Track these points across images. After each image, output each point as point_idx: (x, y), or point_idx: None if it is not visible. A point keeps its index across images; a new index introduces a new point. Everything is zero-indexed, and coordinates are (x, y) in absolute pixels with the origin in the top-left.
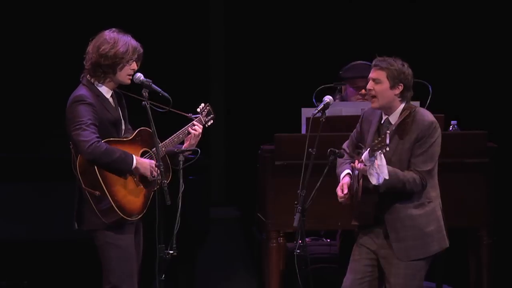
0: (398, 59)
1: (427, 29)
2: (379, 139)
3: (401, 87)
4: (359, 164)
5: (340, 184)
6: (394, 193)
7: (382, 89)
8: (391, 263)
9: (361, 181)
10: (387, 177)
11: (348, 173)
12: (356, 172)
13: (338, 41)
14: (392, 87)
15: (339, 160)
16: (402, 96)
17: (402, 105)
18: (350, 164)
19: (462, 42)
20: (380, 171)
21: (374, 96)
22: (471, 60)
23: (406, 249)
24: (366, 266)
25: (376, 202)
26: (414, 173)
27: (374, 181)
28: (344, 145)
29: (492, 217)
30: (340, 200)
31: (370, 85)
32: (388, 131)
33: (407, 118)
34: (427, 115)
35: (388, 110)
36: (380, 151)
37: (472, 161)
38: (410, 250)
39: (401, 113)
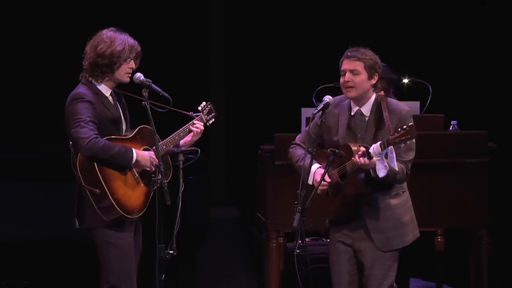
0: (367, 48)
1: (427, 29)
2: (401, 132)
3: (376, 77)
4: (361, 159)
5: (318, 173)
6: (374, 182)
7: (360, 80)
8: (368, 256)
9: (352, 175)
10: (397, 168)
11: (319, 167)
12: (326, 167)
13: (338, 41)
14: (370, 77)
15: (296, 153)
16: (375, 86)
17: (374, 95)
18: (309, 157)
19: (462, 42)
20: (391, 162)
21: (351, 87)
22: (471, 60)
23: (387, 239)
24: (348, 265)
25: (359, 195)
26: (400, 164)
27: (381, 174)
28: (298, 139)
29: (492, 217)
30: (321, 188)
31: (348, 76)
32: (411, 122)
33: (382, 108)
34: (402, 105)
35: (362, 101)
36: (401, 144)
37: (472, 161)
38: (390, 240)
39: (374, 104)
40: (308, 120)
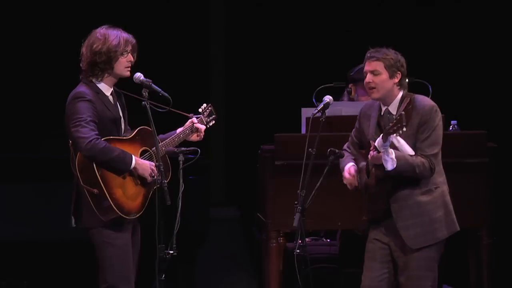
0: (390, 48)
1: (427, 29)
2: (394, 121)
3: (399, 75)
4: (371, 152)
5: (347, 168)
6: (402, 179)
7: (381, 79)
8: (404, 255)
9: (373, 170)
10: (412, 153)
11: (353, 165)
12: (362, 165)
13: (338, 41)
14: (391, 76)
15: (341, 160)
16: (400, 84)
17: (401, 93)
18: (352, 159)
19: (462, 42)
20: (402, 150)
21: (373, 88)
22: (471, 60)
23: (415, 237)
24: (383, 262)
25: (388, 192)
26: (422, 158)
27: (389, 166)
28: (345, 146)
29: (492, 217)
30: (348, 182)
31: (368, 77)
32: (403, 112)
33: (408, 106)
34: (427, 100)
35: (387, 100)
36: (396, 134)
37: (472, 161)
38: (418, 237)
39: (400, 102)
40: (308, 120)
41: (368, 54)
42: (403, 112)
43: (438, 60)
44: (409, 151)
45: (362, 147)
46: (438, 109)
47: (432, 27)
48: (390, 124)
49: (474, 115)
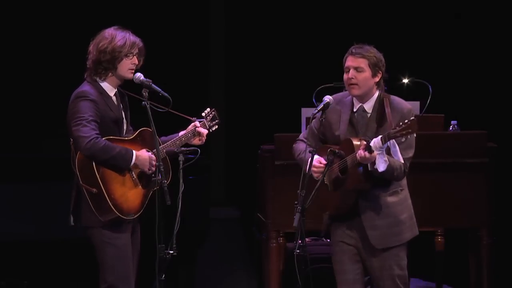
0: (372, 46)
1: (427, 29)
2: (402, 126)
3: (379, 75)
4: (360, 151)
5: (316, 159)
6: (375, 180)
7: (364, 77)
8: (371, 256)
9: (352, 169)
10: (402, 161)
11: (319, 157)
12: (329, 160)
13: (338, 41)
14: (373, 75)
15: (300, 148)
16: (378, 83)
17: (377, 93)
18: (310, 151)
19: (462, 42)
20: (395, 155)
21: (355, 84)
22: (471, 60)
23: (382, 237)
24: (353, 263)
25: (360, 191)
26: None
27: (380, 168)
28: (302, 136)
29: (492, 217)
30: (317, 170)
31: (351, 73)
32: (413, 117)
33: (384, 105)
34: (404, 103)
35: (364, 97)
36: (404, 138)
37: (472, 161)
38: (385, 237)
39: (377, 101)
40: (308, 120)
41: (352, 50)
42: (413, 118)
43: (438, 60)
44: (400, 158)
45: (324, 142)
46: (414, 112)
47: (432, 27)
48: (397, 127)
49: (474, 115)
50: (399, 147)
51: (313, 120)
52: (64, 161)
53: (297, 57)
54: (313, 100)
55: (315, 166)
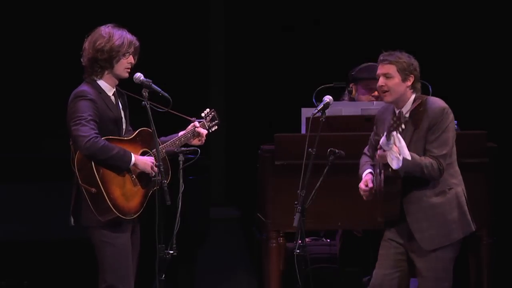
0: (403, 51)
1: (428, 29)
2: (394, 119)
3: (412, 79)
4: (378, 151)
5: (364, 179)
6: (415, 181)
7: (394, 83)
8: (419, 257)
9: (383, 172)
10: (408, 157)
11: (370, 172)
12: (378, 169)
13: (338, 41)
14: (404, 79)
15: (361, 162)
16: (413, 87)
17: (413, 96)
18: (371, 164)
19: (462, 42)
20: (401, 151)
21: (386, 91)
22: (471, 60)
23: (430, 238)
24: (395, 261)
25: (399, 193)
26: (430, 159)
27: (394, 165)
28: (365, 149)
29: (492, 217)
30: (363, 193)
31: (381, 81)
32: (402, 110)
33: (419, 107)
34: (438, 102)
35: (401, 103)
36: (396, 131)
37: (472, 161)
38: (433, 238)
39: (413, 103)
40: (308, 120)
41: (380, 57)
42: (401, 110)
43: (438, 60)
44: (407, 154)
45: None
46: (449, 111)
47: (432, 27)
48: (391, 121)
49: (474, 115)
50: (433, 144)
51: (372, 133)
52: (64, 161)
53: (297, 57)
54: (313, 100)
55: (361, 189)
